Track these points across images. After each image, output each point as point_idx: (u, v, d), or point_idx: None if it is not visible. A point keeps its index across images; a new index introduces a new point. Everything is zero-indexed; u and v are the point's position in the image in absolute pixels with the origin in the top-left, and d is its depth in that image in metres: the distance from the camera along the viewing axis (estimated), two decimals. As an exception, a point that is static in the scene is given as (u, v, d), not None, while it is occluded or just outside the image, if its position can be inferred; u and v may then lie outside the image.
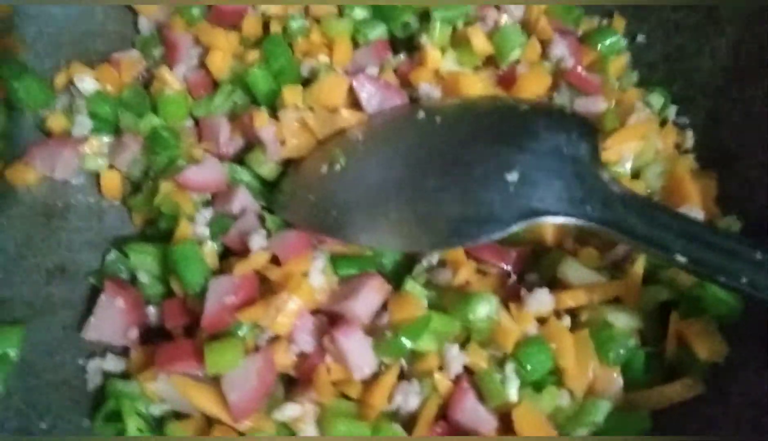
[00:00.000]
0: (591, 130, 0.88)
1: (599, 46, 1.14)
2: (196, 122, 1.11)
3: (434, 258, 0.93)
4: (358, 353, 0.82)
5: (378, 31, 1.10)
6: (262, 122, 1.00)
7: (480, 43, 1.05)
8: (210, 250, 0.93)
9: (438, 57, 1.05)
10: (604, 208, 0.79)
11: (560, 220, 0.79)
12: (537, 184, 0.81)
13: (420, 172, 0.86)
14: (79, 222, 1.05)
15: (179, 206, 0.96)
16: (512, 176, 0.81)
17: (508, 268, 0.94)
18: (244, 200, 0.98)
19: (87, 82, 1.10)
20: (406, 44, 1.13)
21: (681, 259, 0.75)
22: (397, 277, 0.93)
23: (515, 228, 0.79)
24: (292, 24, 1.09)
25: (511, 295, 0.90)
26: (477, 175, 0.83)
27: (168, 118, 1.08)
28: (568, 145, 0.84)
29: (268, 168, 1.02)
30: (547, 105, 0.98)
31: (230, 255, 0.95)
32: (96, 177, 1.08)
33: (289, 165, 1.04)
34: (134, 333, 0.92)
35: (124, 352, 0.94)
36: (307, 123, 1.01)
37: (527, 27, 1.14)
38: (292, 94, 1.02)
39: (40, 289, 0.97)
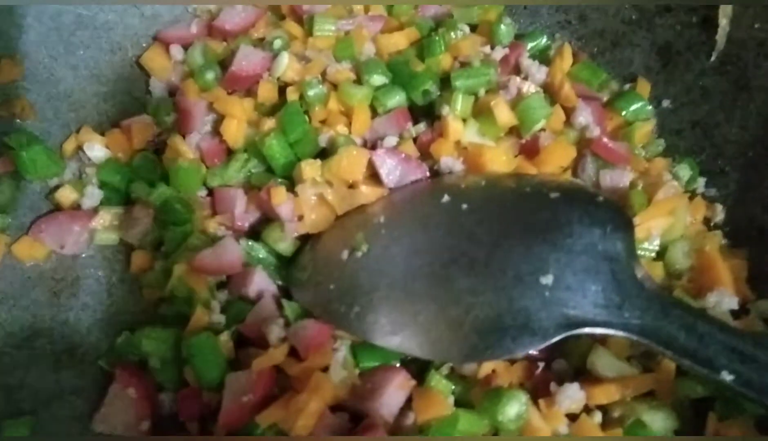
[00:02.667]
0: (626, 222, 0.85)
1: (624, 112, 1.11)
2: (210, 191, 1.07)
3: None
4: (383, 458, 0.78)
5: (397, 99, 1.07)
6: (281, 199, 0.96)
7: (504, 116, 1.01)
8: (226, 339, 0.89)
9: (460, 129, 1.02)
10: (642, 315, 0.75)
11: (600, 331, 0.75)
12: (572, 288, 0.77)
13: (449, 269, 0.82)
14: (88, 298, 1.02)
15: (194, 291, 0.92)
16: (547, 279, 0.78)
17: (536, 354, 0.90)
18: (261, 283, 0.94)
19: (97, 150, 1.08)
20: (426, 111, 1.09)
21: (728, 377, 0.71)
22: (418, 365, 0.89)
23: (553, 340, 0.75)
24: (309, 92, 1.05)
25: (539, 387, 0.87)
26: (510, 277, 0.79)
27: (181, 189, 1.05)
28: (603, 240, 0.81)
29: (285, 245, 0.99)
30: (578, 190, 0.94)
31: (246, 340, 0.92)
32: (105, 250, 1.04)
33: (306, 237, 1.00)
34: (146, 425, 0.89)
35: (136, 443, 0.90)
36: (325, 199, 0.97)
37: (550, 91, 1.11)
38: (310, 168, 0.98)
39: (48, 375, 0.94)
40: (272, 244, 0.99)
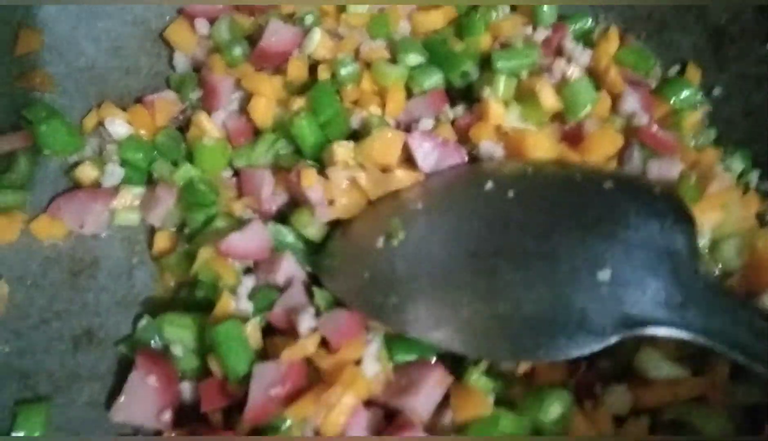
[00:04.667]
0: (686, 216, 0.79)
1: (673, 99, 1.05)
2: (236, 172, 1.03)
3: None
4: (419, 459, 0.74)
5: (434, 80, 1.02)
6: (311, 181, 0.91)
7: (549, 100, 0.96)
8: (253, 328, 0.84)
9: (501, 112, 0.97)
10: (707, 317, 0.69)
11: (663, 331, 0.70)
12: (631, 285, 0.71)
13: (495, 260, 0.77)
14: (108, 280, 0.97)
15: (220, 276, 0.88)
16: (604, 274, 0.72)
17: (579, 354, 0.85)
18: (289, 270, 0.90)
19: (118, 126, 1.03)
20: (464, 94, 1.04)
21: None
22: (454, 360, 0.84)
23: (612, 341, 0.70)
24: (341, 70, 1.00)
25: (582, 388, 0.82)
26: (563, 271, 0.73)
27: (205, 169, 1.00)
28: (662, 234, 0.75)
29: (314, 230, 0.94)
30: (633, 180, 0.88)
31: (274, 329, 0.87)
32: (125, 230, 1.00)
33: (336, 223, 0.95)
34: (168, 416, 0.84)
35: (155, 433, 0.86)
36: (358, 183, 0.92)
37: (594, 76, 1.05)
38: (342, 150, 0.93)
39: (66, 359, 0.90)
40: (300, 229, 0.95)
